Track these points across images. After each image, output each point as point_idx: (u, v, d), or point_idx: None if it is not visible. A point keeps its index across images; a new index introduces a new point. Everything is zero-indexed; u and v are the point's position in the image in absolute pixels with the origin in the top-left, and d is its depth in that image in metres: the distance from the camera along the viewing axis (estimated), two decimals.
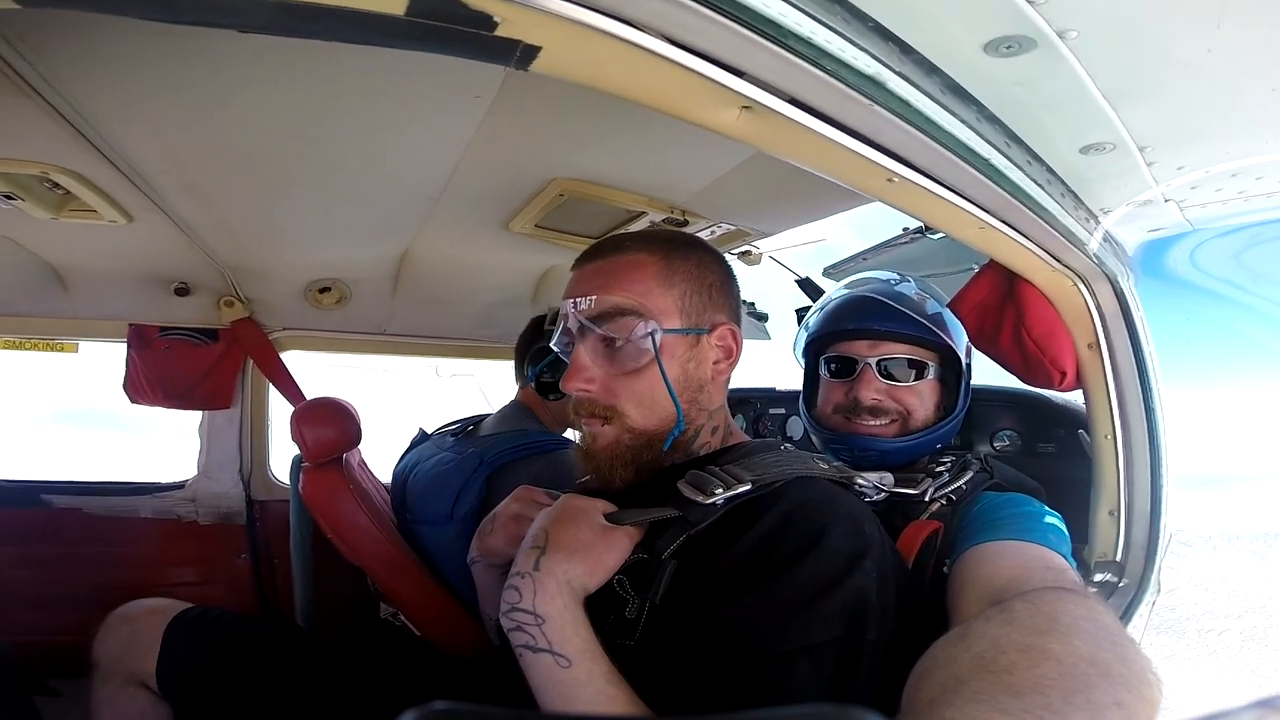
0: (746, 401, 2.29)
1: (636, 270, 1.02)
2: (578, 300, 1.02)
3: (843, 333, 1.39)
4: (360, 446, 1.92)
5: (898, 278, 1.47)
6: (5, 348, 2.36)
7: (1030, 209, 1.05)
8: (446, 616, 1.63)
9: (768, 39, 0.63)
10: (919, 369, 1.35)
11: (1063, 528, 1.11)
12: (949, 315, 1.41)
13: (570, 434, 2.00)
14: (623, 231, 1.79)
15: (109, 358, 2.41)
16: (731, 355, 1.07)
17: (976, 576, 0.97)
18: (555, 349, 1.08)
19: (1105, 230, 1.26)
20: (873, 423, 1.33)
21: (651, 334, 0.99)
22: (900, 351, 1.35)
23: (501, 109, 1.22)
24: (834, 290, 1.54)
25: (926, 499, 1.18)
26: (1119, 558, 1.35)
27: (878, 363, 1.34)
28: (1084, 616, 0.74)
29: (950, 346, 1.36)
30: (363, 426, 1.87)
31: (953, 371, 1.39)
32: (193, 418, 2.52)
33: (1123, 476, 1.35)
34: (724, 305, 1.07)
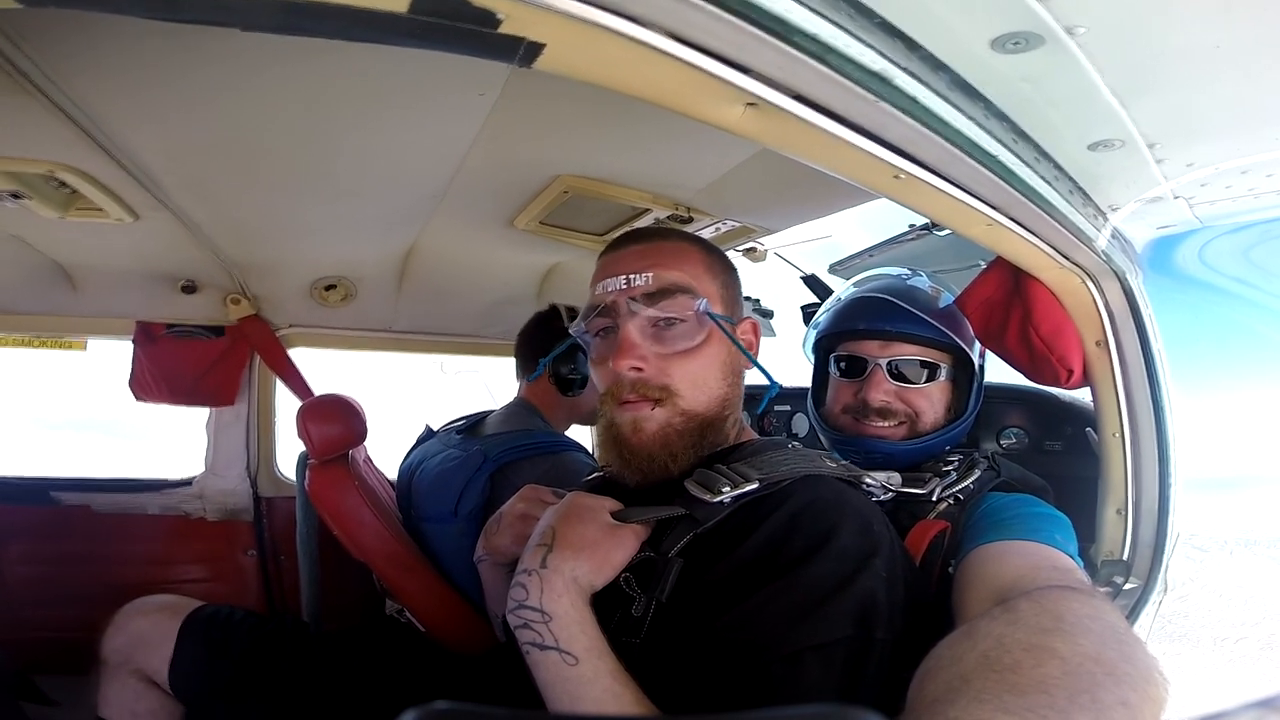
0: (752, 398, 2.28)
1: (686, 254, 1.04)
2: (631, 276, 1.00)
3: (854, 332, 1.37)
4: (366, 443, 1.92)
5: (909, 273, 1.45)
6: (15, 345, 2.37)
7: (1038, 206, 1.04)
8: (452, 613, 1.63)
9: (773, 35, 0.62)
10: (930, 370, 1.33)
11: (1070, 528, 1.10)
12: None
13: (572, 433, 2.00)
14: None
15: (115, 364, 2.42)
16: (752, 349, 1.08)
17: (982, 576, 0.96)
18: (578, 334, 1.07)
19: (1114, 227, 1.25)
20: (880, 424, 1.32)
21: (708, 313, 1.00)
22: (912, 353, 1.33)
23: (506, 106, 1.22)
24: (845, 288, 1.53)
25: (934, 499, 1.17)
26: (1126, 556, 1.34)
27: (888, 364, 1.32)
28: (1090, 615, 0.74)
29: (963, 348, 1.35)
30: (368, 423, 1.87)
31: (965, 373, 1.37)
32: (198, 424, 2.53)
33: (1130, 475, 1.35)
34: (742, 302, 1.11)
